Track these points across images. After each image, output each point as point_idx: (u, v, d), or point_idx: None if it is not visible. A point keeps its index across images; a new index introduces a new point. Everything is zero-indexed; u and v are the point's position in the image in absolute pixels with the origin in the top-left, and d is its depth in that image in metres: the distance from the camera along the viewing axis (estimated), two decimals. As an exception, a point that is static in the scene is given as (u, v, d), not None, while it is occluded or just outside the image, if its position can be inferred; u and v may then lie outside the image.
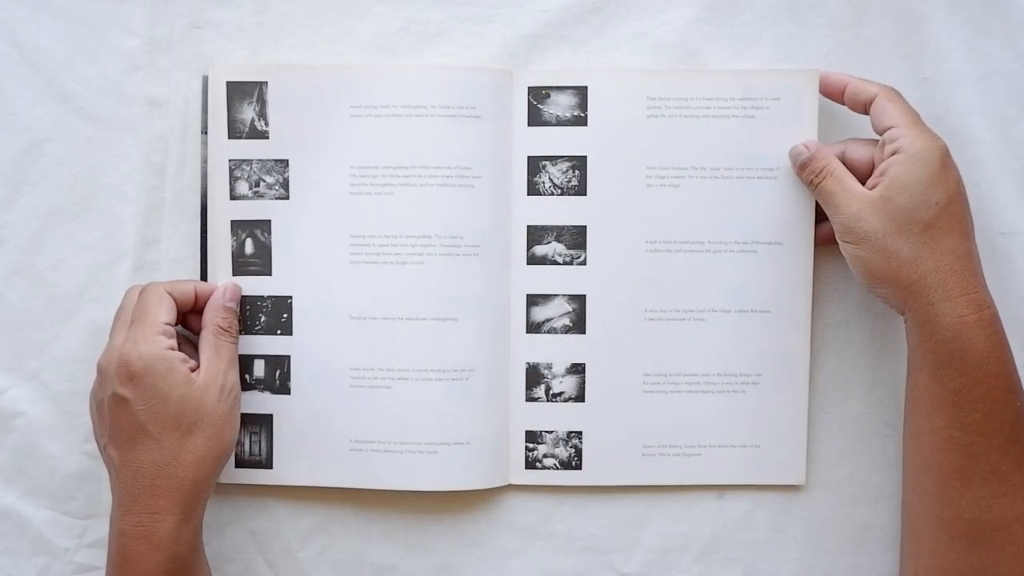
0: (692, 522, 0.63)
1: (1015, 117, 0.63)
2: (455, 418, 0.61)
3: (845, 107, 0.60)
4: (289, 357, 0.62)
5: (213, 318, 0.59)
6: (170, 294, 0.58)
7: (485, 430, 0.62)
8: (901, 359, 0.62)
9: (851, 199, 0.57)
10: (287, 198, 0.62)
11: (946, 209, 0.55)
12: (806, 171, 0.59)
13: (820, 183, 0.58)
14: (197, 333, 0.60)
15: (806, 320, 0.62)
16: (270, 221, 0.62)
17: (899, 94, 0.58)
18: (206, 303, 0.60)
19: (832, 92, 0.60)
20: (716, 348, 0.62)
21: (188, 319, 0.61)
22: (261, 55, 0.63)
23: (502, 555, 0.64)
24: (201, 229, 0.63)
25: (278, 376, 0.62)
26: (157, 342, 0.56)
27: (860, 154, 0.59)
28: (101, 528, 0.63)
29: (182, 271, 0.63)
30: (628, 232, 0.62)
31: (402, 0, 0.63)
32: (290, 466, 0.62)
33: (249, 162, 0.62)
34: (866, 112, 0.59)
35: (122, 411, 0.56)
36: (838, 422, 0.63)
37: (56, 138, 0.63)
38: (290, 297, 0.62)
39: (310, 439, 0.62)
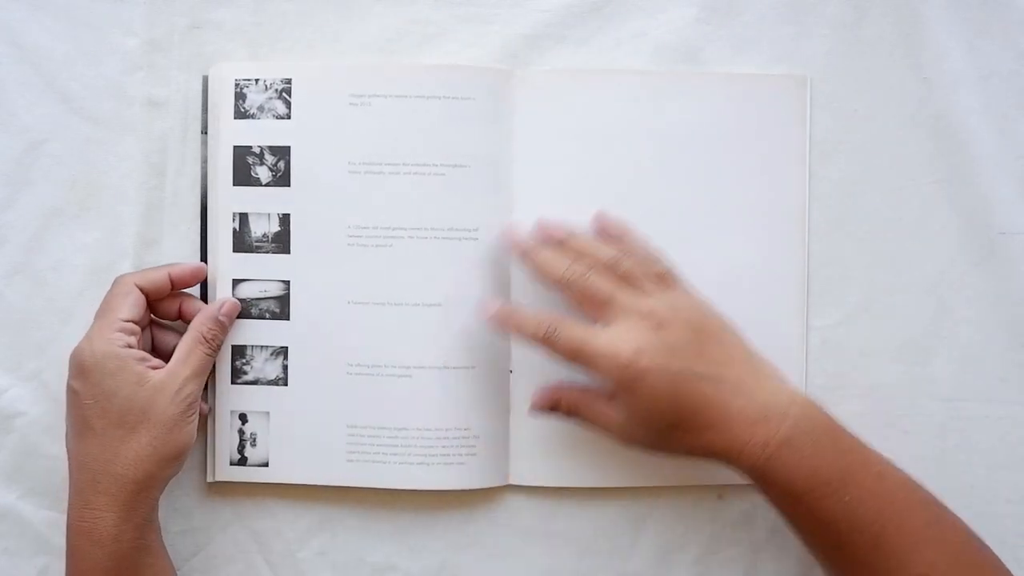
0: (692, 522, 0.63)
1: (1015, 117, 0.63)
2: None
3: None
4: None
5: (201, 325, 0.59)
6: (140, 287, 0.58)
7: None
8: (901, 359, 0.62)
9: (601, 420, 0.58)
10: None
11: (663, 434, 0.55)
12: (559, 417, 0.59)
13: (575, 420, 0.58)
14: (171, 318, 0.61)
15: (801, 321, 0.62)
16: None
17: (549, 337, 0.56)
18: (183, 285, 0.60)
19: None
20: None
21: (161, 305, 0.60)
22: (261, 55, 0.63)
23: (502, 555, 0.63)
24: (201, 229, 0.63)
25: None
26: (112, 340, 0.56)
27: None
28: (101, 528, 0.63)
29: (182, 271, 0.63)
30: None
31: (402, 0, 0.63)
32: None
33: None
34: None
35: (73, 403, 0.56)
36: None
37: (56, 138, 0.63)
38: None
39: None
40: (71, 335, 0.63)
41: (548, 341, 0.56)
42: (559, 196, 0.62)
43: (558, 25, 0.63)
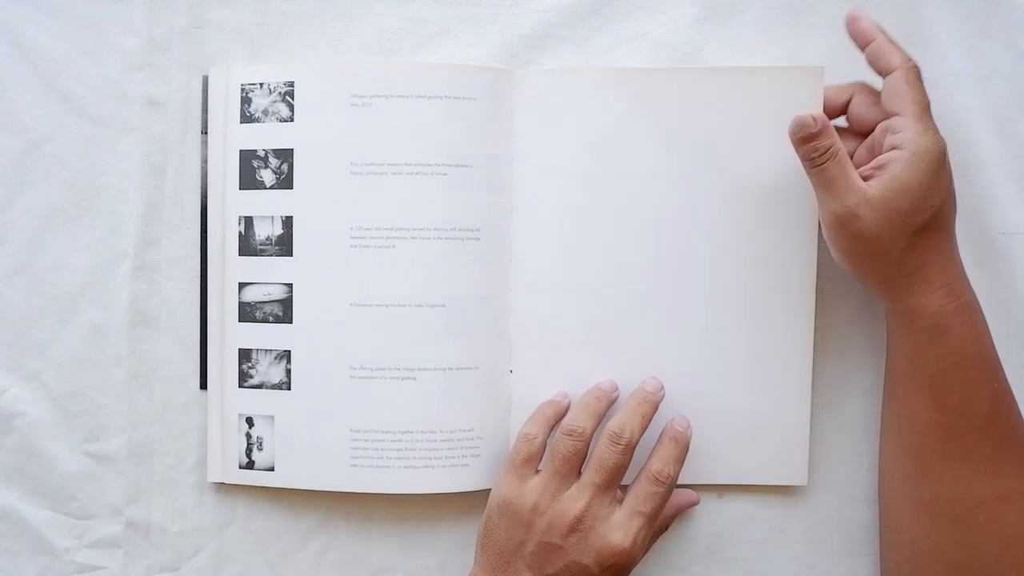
0: (692, 522, 0.63)
1: (1015, 117, 0.63)
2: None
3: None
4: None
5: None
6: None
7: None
8: (901, 359, 0.62)
9: (850, 193, 0.54)
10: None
11: (939, 210, 0.55)
12: (808, 146, 0.55)
13: (823, 164, 0.55)
14: None
15: (809, 320, 0.62)
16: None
17: (918, 74, 0.55)
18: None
19: (858, 40, 0.57)
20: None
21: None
22: (261, 55, 0.63)
23: (502, 555, 0.63)
24: (201, 229, 0.63)
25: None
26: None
27: (866, 114, 0.58)
28: (101, 528, 0.63)
29: (182, 271, 0.63)
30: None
31: (402, 0, 0.63)
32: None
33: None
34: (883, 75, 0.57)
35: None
36: (838, 422, 0.63)
37: (56, 138, 0.63)
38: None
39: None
40: (71, 335, 0.63)
41: (915, 72, 0.55)
42: (559, 196, 0.62)
43: (558, 25, 0.63)
